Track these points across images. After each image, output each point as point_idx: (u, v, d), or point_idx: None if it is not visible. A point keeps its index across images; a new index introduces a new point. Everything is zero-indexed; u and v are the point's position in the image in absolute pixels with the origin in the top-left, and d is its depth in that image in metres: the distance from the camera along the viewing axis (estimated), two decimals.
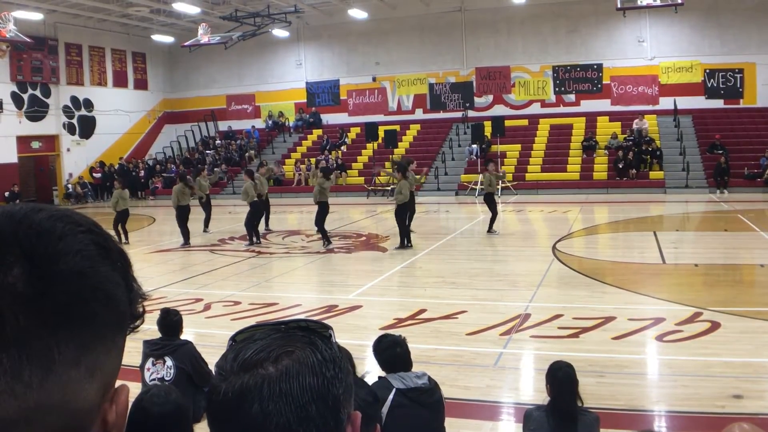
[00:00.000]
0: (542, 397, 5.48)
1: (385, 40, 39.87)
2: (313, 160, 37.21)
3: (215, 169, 37.25)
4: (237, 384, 1.08)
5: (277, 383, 1.06)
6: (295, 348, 1.11)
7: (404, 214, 18.16)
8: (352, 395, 1.16)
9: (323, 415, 1.08)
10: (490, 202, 19.95)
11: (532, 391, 7.89)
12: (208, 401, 1.12)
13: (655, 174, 31.58)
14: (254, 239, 19.71)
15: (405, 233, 18.23)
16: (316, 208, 18.96)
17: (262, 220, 21.58)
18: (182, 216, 20.09)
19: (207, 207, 22.26)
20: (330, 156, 36.97)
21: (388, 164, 31.82)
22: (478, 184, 30.17)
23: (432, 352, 9.31)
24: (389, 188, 31.98)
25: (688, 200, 27.31)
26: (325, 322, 1.24)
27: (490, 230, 20.04)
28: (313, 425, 1.07)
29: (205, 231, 21.86)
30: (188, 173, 24.66)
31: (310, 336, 1.15)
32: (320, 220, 18.73)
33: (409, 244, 18.26)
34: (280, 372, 1.07)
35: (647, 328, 10.15)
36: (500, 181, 20.66)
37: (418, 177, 20.07)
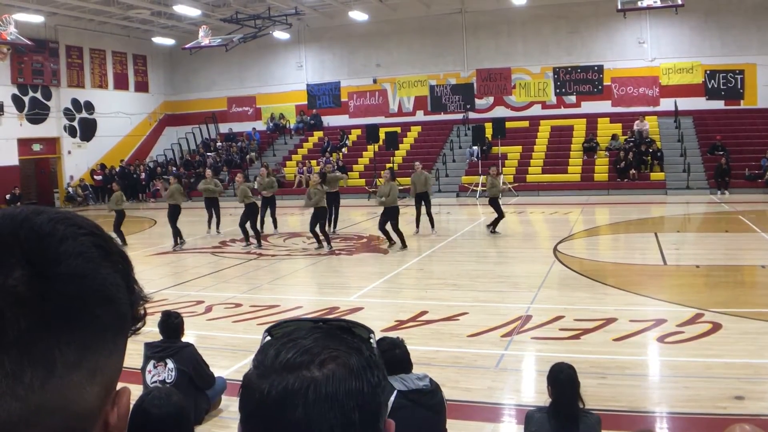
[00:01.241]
0: (544, 399, 5.47)
1: (386, 42, 39.88)
2: (314, 162, 37.20)
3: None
4: (281, 384, 1.05)
5: (323, 387, 1.04)
6: (340, 351, 1.09)
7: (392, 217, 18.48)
8: (389, 403, 1.15)
9: (365, 423, 1.06)
10: (496, 206, 20.04)
11: (534, 392, 7.89)
12: (247, 398, 1.09)
13: (656, 175, 31.59)
14: (249, 239, 19.78)
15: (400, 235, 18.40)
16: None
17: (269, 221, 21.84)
18: (175, 215, 20.17)
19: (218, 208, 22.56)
20: (331, 158, 36.96)
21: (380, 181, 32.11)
22: (479, 186, 30.26)
23: (433, 354, 9.31)
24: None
25: (689, 201, 27.30)
26: (371, 328, 1.21)
27: (492, 229, 20.10)
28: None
29: (217, 232, 22.31)
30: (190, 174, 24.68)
31: (353, 339, 1.13)
32: (314, 225, 18.80)
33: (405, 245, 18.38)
34: (326, 376, 1.05)
35: (648, 329, 10.15)
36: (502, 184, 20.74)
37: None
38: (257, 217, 20.34)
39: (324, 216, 19.13)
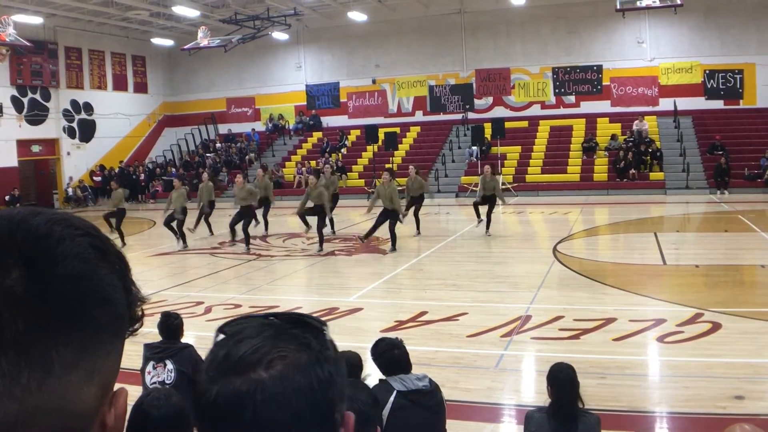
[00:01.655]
0: (543, 399, 5.47)
1: (385, 43, 39.89)
2: (313, 163, 37.20)
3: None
4: (229, 388, 1.04)
5: (270, 388, 1.03)
6: (288, 350, 1.07)
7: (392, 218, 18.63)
8: (345, 395, 1.13)
9: (317, 420, 1.05)
10: (491, 206, 20.08)
11: (533, 392, 7.89)
12: (197, 403, 1.08)
13: (656, 175, 31.60)
14: (235, 239, 19.85)
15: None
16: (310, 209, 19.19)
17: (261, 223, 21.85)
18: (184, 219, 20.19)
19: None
20: (330, 159, 36.97)
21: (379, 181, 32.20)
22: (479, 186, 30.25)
23: (433, 354, 9.31)
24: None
25: (688, 201, 27.31)
26: (323, 319, 1.19)
27: (487, 230, 20.19)
28: (308, 429, 1.05)
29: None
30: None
31: (304, 335, 1.10)
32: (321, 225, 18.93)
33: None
34: (273, 377, 1.04)
35: (648, 329, 10.15)
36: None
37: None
38: (251, 220, 20.21)
39: (323, 214, 19.18)
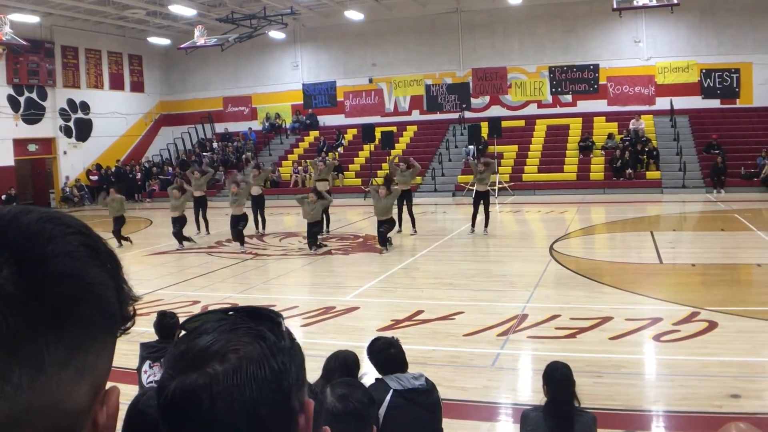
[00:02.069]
0: (539, 398, 5.47)
1: (382, 42, 39.89)
2: (309, 161, 37.20)
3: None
4: (186, 383, 1.07)
5: (224, 381, 1.06)
6: (242, 343, 1.10)
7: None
8: (305, 384, 1.17)
9: (273, 407, 1.08)
10: (486, 202, 20.10)
11: (530, 391, 7.90)
12: (158, 399, 1.11)
13: (652, 174, 31.61)
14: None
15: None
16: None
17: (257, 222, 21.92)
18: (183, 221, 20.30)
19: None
20: (327, 158, 36.97)
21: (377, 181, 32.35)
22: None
23: (429, 353, 9.32)
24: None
25: (684, 200, 27.34)
26: (280, 312, 1.23)
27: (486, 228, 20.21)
28: (264, 418, 1.07)
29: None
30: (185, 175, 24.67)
31: (258, 327, 1.13)
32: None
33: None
34: (227, 370, 1.07)
35: (644, 328, 10.17)
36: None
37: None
38: (246, 223, 20.19)
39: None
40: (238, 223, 19.36)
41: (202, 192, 22.83)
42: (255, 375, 1.07)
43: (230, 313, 1.17)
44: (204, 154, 41.53)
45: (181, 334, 1.17)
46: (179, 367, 1.09)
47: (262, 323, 1.15)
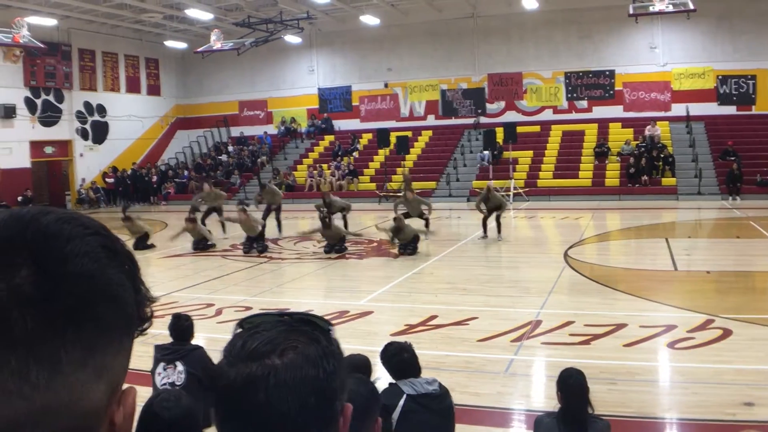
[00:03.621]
0: (553, 404, 5.46)
1: (397, 47, 39.93)
2: (324, 166, 37.29)
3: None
4: (245, 372, 1.16)
5: (282, 374, 1.15)
6: (299, 342, 1.19)
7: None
8: (346, 389, 1.24)
9: (320, 406, 1.17)
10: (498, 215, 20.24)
11: (543, 397, 7.87)
12: (215, 384, 1.20)
13: (668, 180, 31.51)
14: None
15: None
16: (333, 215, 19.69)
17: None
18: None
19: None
20: (342, 162, 37.05)
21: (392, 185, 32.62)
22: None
23: (443, 359, 9.30)
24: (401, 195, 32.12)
25: (700, 207, 27.24)
26: (330, 321, 1.32)
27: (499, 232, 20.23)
28: (311, 415, 1.16)
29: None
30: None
31: (313, 331, 1.23)
32: None
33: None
34: (285, 364, 1.16)
35: (659, 335, 10.12)
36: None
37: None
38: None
39: None
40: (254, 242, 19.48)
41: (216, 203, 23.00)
42: (309, 373, 1.17)
43: (285, 316, 1.26)
44: (219, 157, 41.67)
45: (238, 331, 1.26)
46: (240, 356, 1.18)
47: (315, 329, 1.24)
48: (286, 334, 1.20)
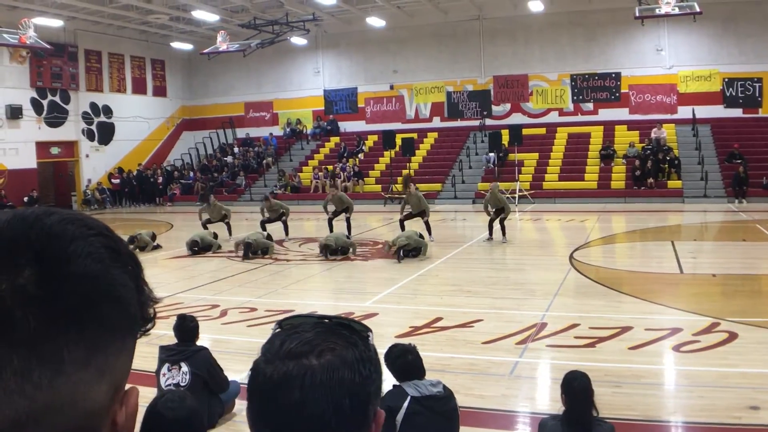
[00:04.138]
0: (558, 407, 5.45)
1: (403, 49, 39.95)
2: (330, 167, 37.31)
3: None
4: (282, 370, 1.17)
5: (319, 375, 1.16)
6: (337, 344, 1.21)
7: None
8: (380, 394, 1.25)
9: (355, 410, 1.17)
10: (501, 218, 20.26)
11: (548, 400, 7.87)
12: (253, 380, 1.21)
13: (674, 183, 31.47)
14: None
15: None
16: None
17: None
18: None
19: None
20: (347, 164, 37.06)
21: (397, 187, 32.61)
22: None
23: (447, 361, 9.29)
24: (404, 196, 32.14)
25: (706, 210, 27.19)
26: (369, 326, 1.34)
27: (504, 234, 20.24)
28: (345, 417, 1.16)
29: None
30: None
31: (351, 335, 1.24)
32: None
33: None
34: (322, 365, 1.17)
35: (664, 338, 10.10)
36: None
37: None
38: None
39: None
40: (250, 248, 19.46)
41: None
42: (345, 376, 1.18)
43: (325, 319, 1.28)
44: (225, 158, 41.75)
45: (276, 331, 1.28)
46: (278, 354, 1.20)
47: (353, 333, 1.26)
48: (325, 336, 1.22)
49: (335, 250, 18.64)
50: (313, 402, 1.15)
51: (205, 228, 22.05)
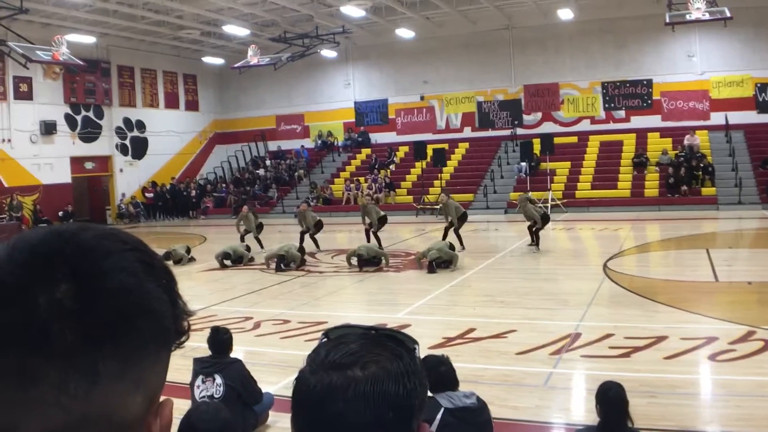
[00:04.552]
0: (592, 418, 5.42)
1: (433, 59, 39.97)
2: (362, 179, 37.38)
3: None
4: (326, 380, 1.18)
5: (362, 386, 1.16)
6: (382, 357, 1.21)
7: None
8: (424, 408, 1.24)
9: (398, 422, 1.17)
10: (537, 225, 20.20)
11: (583, 411, 7.81)
12: (297, 389, 1.21)
13: (707, 190, 31.19)
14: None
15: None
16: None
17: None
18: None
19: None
20: (379, 175, 37.11)
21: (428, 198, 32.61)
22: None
23: (481, 372, 9.26)
24: (438, 207, 32.15)
25: (741, 217, 26.92)
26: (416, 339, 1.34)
27: (535, 246, 20.17)
28: (387, 430, 1.16)
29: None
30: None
31: (397, 347, 1.25)
32: None
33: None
34: (367, 377, 1.17)
35: (700, 347, 10.00)
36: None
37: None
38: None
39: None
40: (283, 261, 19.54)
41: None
42: (390, 389, 1.17)
43: (371, 330, 1.29)
44: (257, 171, 41.98)
45: (323, 340, 1.29)
46: (323, 365, 1.21)
47: (399, 345, 1.26)
48: (370, 348, 1.22)
49: (368, 261, 18.66)
50: (356, 414, 1.15)
51: (243, 240, 22.26)
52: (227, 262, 20.25)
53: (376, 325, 1.33)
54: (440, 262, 17.85)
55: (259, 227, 23.34)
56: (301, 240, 21.56)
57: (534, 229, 20.20)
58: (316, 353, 1.25)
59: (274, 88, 43.64)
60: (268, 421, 7.64)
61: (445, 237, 20.29)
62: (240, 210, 24.91)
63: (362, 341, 1.24)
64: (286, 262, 19.15)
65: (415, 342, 1.31)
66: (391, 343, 1.26)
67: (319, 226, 22.40)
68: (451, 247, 18.49)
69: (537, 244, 20.16)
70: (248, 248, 21.16)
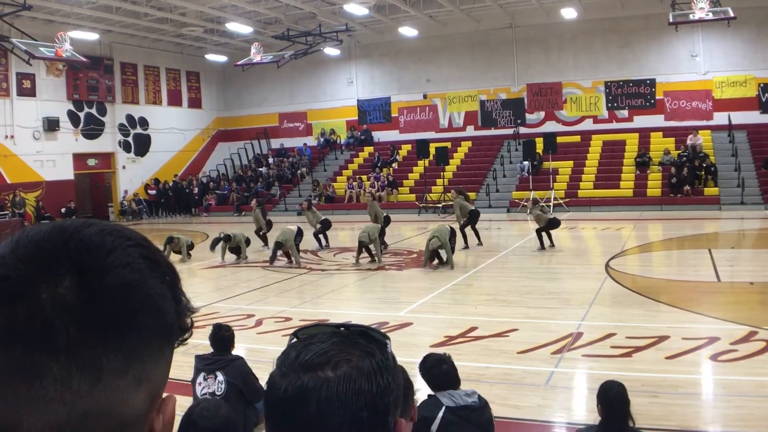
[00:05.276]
0: (594, 417, 5.42)
1: (436, 58, 39.96)
2: (364, 177, 37.35)
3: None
4: (297, 383, 1.16)
5: (335, 387, 1.14)
6: (353, 355, 1.19)
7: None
8: (400, 403, 1.23)
9: (373, 421, 1.15)
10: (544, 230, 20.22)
11: (584, 410, 7.81)
12: (267, 394, 1.19)
13: (710, 190, 31.14)
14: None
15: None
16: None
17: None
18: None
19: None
20: (381, 173, 37.08)
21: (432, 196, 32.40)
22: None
23: (482, 371, 9.26)
24: (440, 205, 32.16)
25: (743, 217, 26.88)
26: (387, 334, 1.32)
27: (541, 246, 20.17)
28: (363, 430, 1.14)
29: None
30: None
31: (368, 344, 1.22)
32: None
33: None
34: (339, 377, 1.15)
35: (701, 347, 9.99)
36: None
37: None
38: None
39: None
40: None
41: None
42: (363, 387, 1.15)
43: (342, 329, 1.26)
44: (260, 169, 41.98)
45: (293, 341, 1.26)
46: (292, 367, 1.18)
47: (371, 342, 1.24)
48: (341, 347, 1.20)
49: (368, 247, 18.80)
50: (330, 415, 1.13)
51: (260, 237, 22.43)
52: (222, 246, 20.56)
53: (346, 322, 1.31)
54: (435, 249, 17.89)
55: (269, 224, 23.28)
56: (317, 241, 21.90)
57: (538, 230, 20.20)
58: (285, 355, 1.22)
59: (277, 86, 43.65)
60: None
61: (465, 238, 20.44)
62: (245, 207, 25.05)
63: (333, 340, 1.22)
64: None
65: (386, 337, 1.29)
66: (363, 340, 1.23)
67: (326, 224, 22.36)
68: (452, 231, 18.38)
69: (542, 245, 20.15)
70: (248, 241, 21.15)
